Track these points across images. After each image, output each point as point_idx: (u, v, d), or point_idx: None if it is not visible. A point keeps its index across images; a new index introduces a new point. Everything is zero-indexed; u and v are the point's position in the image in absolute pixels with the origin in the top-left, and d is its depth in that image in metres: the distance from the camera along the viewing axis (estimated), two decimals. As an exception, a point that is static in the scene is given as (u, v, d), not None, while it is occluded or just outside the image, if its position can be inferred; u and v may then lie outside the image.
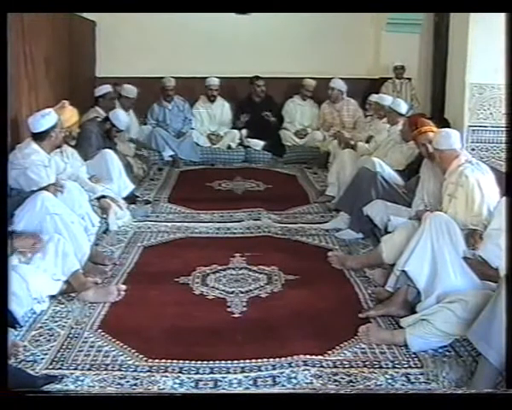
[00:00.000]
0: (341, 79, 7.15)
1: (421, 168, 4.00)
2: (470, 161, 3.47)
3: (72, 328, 3.00)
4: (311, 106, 7.52)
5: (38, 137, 3.89)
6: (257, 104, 7.34)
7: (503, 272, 2.65)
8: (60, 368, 2.63)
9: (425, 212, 3.53)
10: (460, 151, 3.55)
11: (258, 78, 7.31)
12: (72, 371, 2.60)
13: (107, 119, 5.47)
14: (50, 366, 2.64)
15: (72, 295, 3.33)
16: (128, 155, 5.95)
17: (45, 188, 3.62)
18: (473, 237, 3.12)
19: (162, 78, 7.13)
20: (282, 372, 2.60)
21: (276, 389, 2.49)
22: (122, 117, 5.54)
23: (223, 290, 3.46)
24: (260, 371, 2.62)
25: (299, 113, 7.48)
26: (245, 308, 3.24)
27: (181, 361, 2.68)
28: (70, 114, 4.42)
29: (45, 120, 3.89)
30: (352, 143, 5.74)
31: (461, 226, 3.21)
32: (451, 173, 3.46)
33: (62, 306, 3.23)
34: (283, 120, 7.45)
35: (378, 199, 4.22)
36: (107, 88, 6.08)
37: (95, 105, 5.97)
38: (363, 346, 2.84)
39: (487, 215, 3.24)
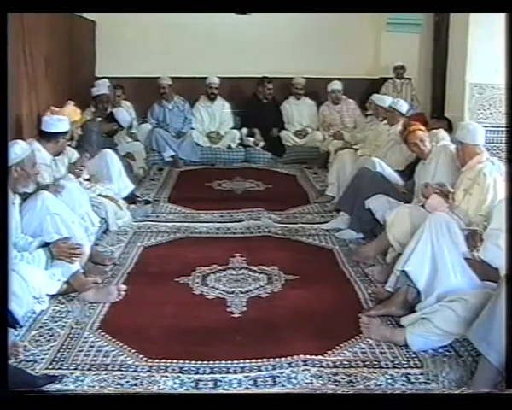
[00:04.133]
0: (338, 79, 7.16)
1: (416, 171, 4.01)
2: (491, 161, 3.46)
3: (72, 328, 2.99)
4: (307, 105, 7.51)
5: (46, 136, 3.90)
6: (264, 105, 7.34)
7: (503, 272, 2.65)
8: (60, 368, 2.62)
9: (430, 190, 3.54)
10: (483, 148, 3.53)
11: (267, 79, 7.29)
12: (72, 371, 2.60)
13: (110, 116, 5.48)
14: (50, 366, 2.64)
15: (72, 295, 3.33)
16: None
17: (45, 188, 3.63)
18: (473, 238, 3.11)
19: (159, 77, 7.13)
20: (282, 372, 2.60)
21: (276, 389, 2.48)
22: (124, 114, 5.57)
23: (223, 290, 3.46)
24: (260, 371, 2.61)
25: (295, 113, 7.47)
26: (245, 308, 3.24)
27: (181, 361, 2.67)
28: (70, 111, 4.42)
29: (61, 123, 3.98)
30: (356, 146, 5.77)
31: (466, 222, 3.21)
32: (470, 169, 3.45)
33: (62, 306, 3.23)
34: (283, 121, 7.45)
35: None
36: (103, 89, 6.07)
37: (91, 106, 5.95)
38: (363, 346, 2.84)
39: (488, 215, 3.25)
